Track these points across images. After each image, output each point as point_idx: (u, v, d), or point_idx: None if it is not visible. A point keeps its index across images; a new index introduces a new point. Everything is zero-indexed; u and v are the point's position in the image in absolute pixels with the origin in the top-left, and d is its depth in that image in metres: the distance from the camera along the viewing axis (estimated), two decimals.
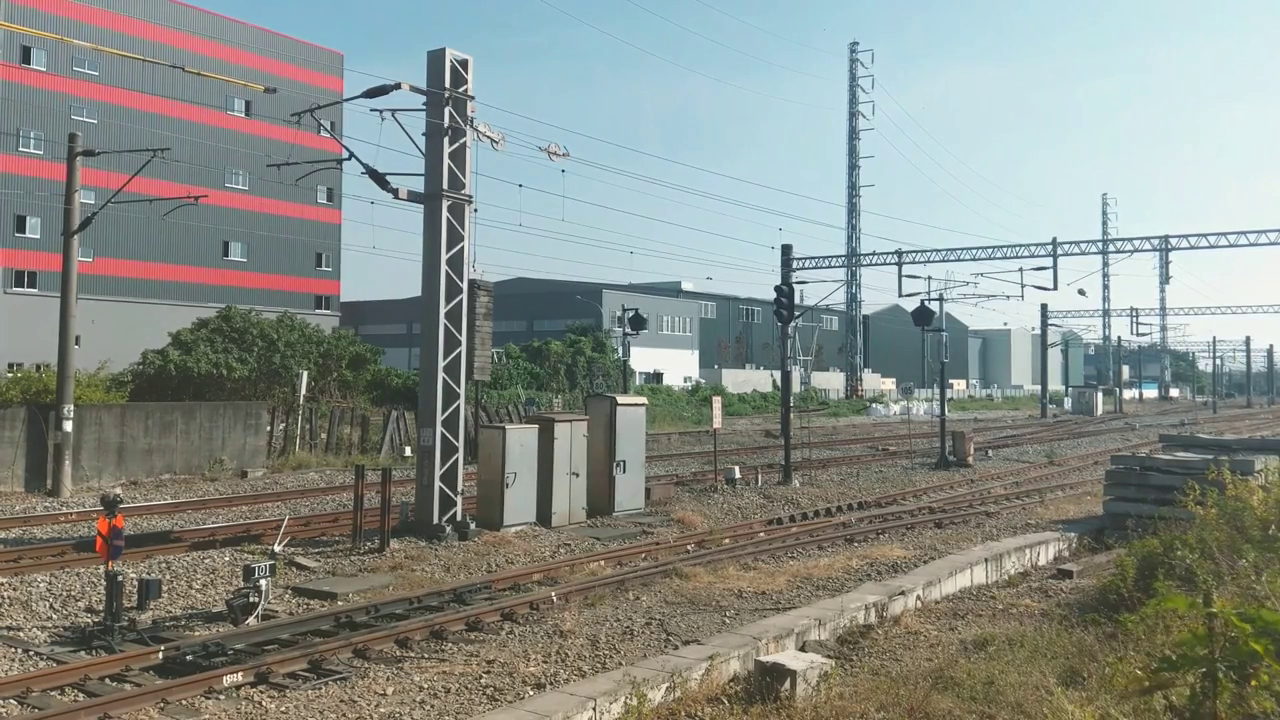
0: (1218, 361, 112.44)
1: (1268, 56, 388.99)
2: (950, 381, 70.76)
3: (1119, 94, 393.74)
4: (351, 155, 17.81)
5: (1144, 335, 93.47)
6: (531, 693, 9.31)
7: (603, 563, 15.90)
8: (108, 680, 9.85)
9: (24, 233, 56.40)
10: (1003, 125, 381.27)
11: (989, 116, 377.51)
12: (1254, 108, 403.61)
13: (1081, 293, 60.86)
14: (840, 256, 62.46)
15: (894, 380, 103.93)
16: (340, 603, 13.20)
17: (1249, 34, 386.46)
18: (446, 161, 18.30)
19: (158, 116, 59.22)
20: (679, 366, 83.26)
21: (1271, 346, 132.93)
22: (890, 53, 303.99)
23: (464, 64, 18.68)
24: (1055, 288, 41.31)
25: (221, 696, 9.42)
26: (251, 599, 12.25)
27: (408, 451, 30.27)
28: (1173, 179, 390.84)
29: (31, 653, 10.76)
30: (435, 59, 18.51)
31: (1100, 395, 79.28)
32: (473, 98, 18.78)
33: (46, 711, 8.76)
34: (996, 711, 7.80)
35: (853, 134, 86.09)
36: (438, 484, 17.81)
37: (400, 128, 17.90)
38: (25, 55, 56.10)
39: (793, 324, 29.31)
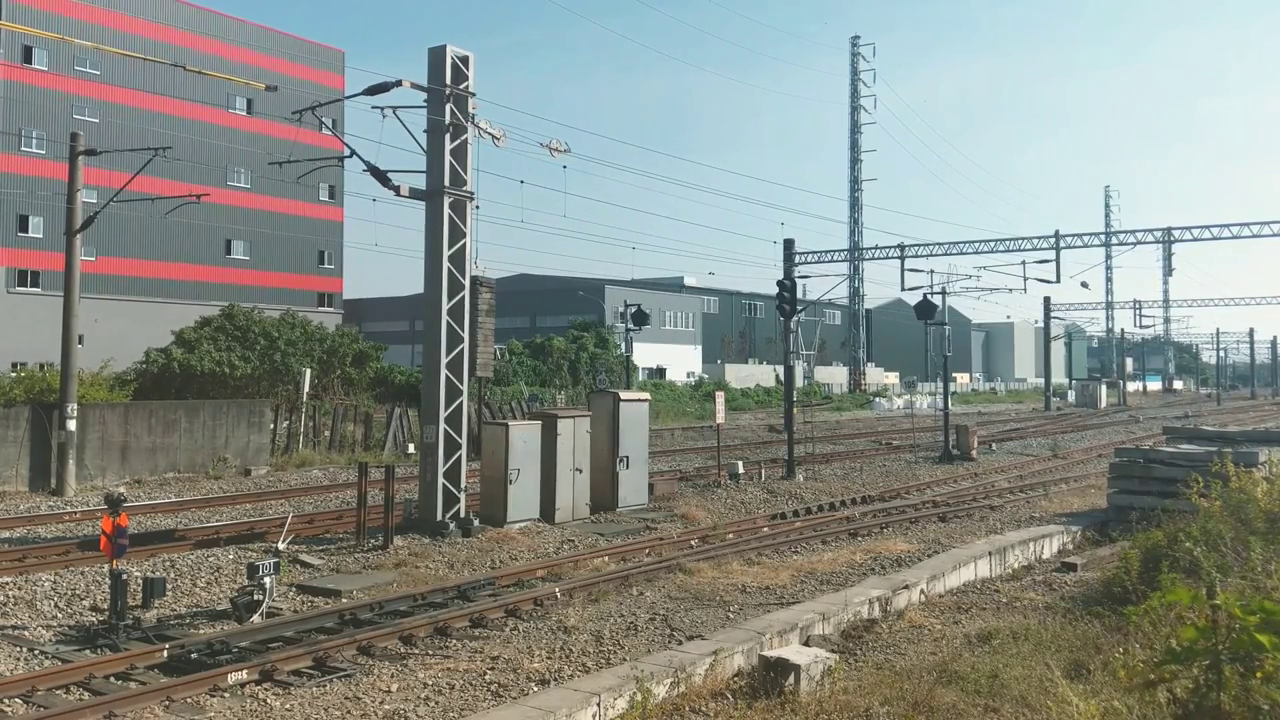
0: (1221, 353, 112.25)
1: (1269, 48, 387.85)
2: (953, 375, 70.66)
3: (1120, 85, 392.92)
4: (353, 153, 17.81)
5: (1147, 328, 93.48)
6: (536, 689, 9.31)
7: (606, 558, 15.90)
8: (113, 679, 9.86)
9: (26, 232, 56.48)
10: (1003, 118, 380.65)
11: (989, 110, 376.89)
12: (1256, 99, 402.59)
13: (1084, 285, 60.83)
14: (843, 250, 62.37)
15: (897, 374, 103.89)
16: (344, 600, 13.22)
17: (1248, 25, 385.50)
18: (448, 158, 18.29)
19: (159, 115, 59.20)
20: (682, 362, 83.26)
21: (1275, 338, 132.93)
22: (890, 46, 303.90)
23: (465, 61, 18.67)
24: (1058, 280, 41.26)
25: (226, 694, 9.43)
26: (256, 597, 12.26)
27: (411, 449, 30.29)
28: (1176, 171, 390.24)
29: (37, 651, 10.78)
30: (436, 56, 18.50)
31: (1104, 388, 79.18)
32: (474, 94, 18.77)
33: (52, 710, 8.78)
34: (1001, 705, 7.79)
35: (854, 128, 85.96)
36: (441, 481, 17.83)
37: (402, 125, 17.93)
38: (27, 55, 56.13)
39: (795, 318, 29.28)
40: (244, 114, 65.50)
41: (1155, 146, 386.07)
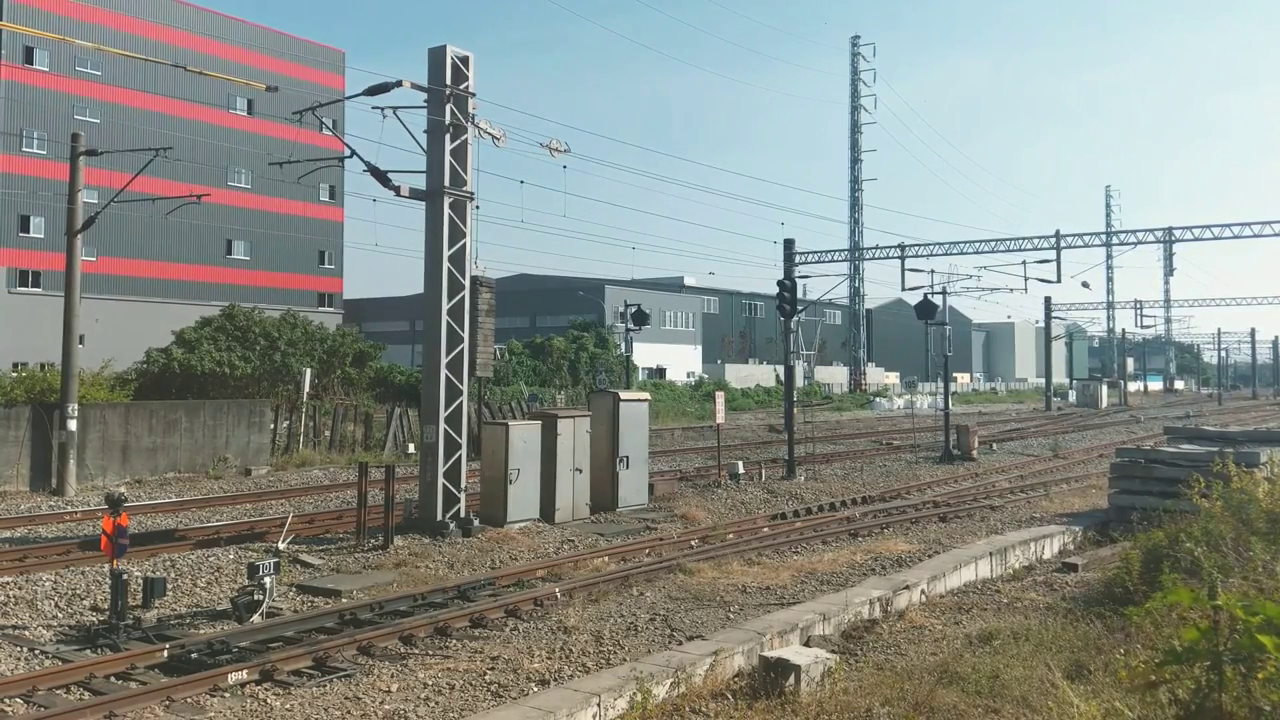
0: (1223, 353, 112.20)
1: (1270, 45, 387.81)
2: (954, 375, 70.66)
3: (1120, 84, 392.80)
4: (353, 153, 17.81)
5: (1148, 327, 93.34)
6: (536, 689, 9.30)
7: (606, 559, 15.90)
8: (113, 679, 9.86)
9: (28, 232, 56.47)
10: (1003, 117, 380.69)
11: (989, 109, 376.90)
12: (1257, 97, 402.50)
13: (1085, 285, 60.96)
14: (843, 250, 62.27)
15: (897, 374, 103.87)
16: (344, 600, 13.21)
17: (1249, 22, 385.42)
18: (448, 158, 18.28)
19: (160, 115, 59.22)
20: (682, 362, 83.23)
21: (1277, 338, 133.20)
22: (891, 45, 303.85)
23: (465, 61, 18.66)
24: (1059, 280, 41.16)
25: (226, 694, 9.43)
26: (256, 597, 12.26)
27: (411, 448, 30.28)
28: (1177, 170, 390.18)
29: (37, 651, 10.78)
30: (436, 56, 18.49)
31: (1105, 388, 79.17)
32: (474, 94, 18.76)
33: (52, 710, 8.77)
34: (1002, 706, 7.78)
35: (855, 128, 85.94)
36: (441, 481, 17.82)
37: (402, 125, 17.93)
38: (28, 55, 56.13)
39: (796, 318, 29.27)
40: (244, 114, 65.49)
41: (1160, 145, 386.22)
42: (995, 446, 37.09)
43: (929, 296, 35.18)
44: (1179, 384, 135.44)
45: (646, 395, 23.50)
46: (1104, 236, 47.57)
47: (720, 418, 29.02)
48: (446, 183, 18.21)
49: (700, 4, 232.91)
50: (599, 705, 8.29)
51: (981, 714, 7.71)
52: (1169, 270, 43.99)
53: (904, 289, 42.68)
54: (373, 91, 17.29)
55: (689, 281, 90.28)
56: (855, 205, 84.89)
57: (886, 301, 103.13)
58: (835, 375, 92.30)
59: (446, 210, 18.23)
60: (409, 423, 32.54)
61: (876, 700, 8.10)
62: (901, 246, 43.63)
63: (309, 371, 34.43)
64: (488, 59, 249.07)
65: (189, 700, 9.19)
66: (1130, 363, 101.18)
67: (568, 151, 20.40)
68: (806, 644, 10.47)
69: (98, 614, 12.17)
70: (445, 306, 18.17)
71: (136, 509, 19.31)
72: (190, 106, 60.69)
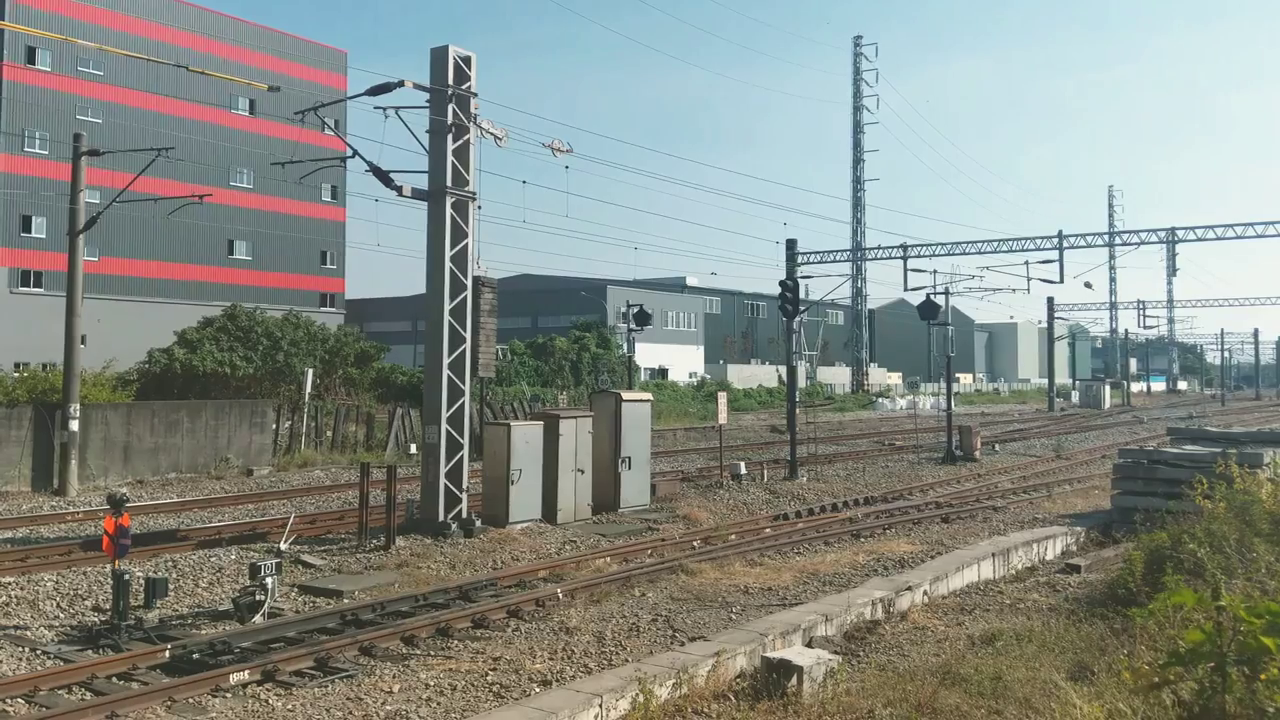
0: (1226, 354, 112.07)
1: (1272, 45, 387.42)
2: (956, 375, 70.61)
3: (1121, 84, 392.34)
4: (355, 153, 17.81)
5: (1151, 328, 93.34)
6: (538, 690, 9.29)
7: (608, 559, 15.89)
8: (115, 679, 9.86)
9: (30, 232, 56.55)
10: (1005, 117, 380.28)
11: (991, 109, 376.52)
12: (1260, 97, 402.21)
13: (1088, 285, 60.87)
14: (845, 250, 62.09)
15: (900, 374, 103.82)
16: (346, 600, 13.21)
17: (1251, 23, 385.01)
18: (450, 158, 18.28)
19: (162, 116, 59.30)
20: (684, 362, 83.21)
21: None
22: (891, 45, 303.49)
23: (467, 61, 18.66)
24: (1061, 281, 41.03)
25: (228, 695, 9.43)
26: (258, 597, 12.25)
27: (413, 449, 30.25)
28: (1179, 170, 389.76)
29: (39, 651, 10.78)
30: (438, 56, 18.49)
31: (1108, 388, 79.14)
32: (476, 95, 18.76)
33: (54, 710, 8.77)
34: (1004, 707, 7.76)
35: (857, 128, 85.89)
36: (443, 481, 17.81)
37: (404, 125, 17.94)
38: (30, 55, 56.22)
39: (798, 318, 29.24)
40: (247, 114, 65.56)
41: (1162, 145, 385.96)
42: (998, 447, 37.07)
43: (931, 297, 35.16)
44: (1182, 384, 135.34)
45: (649, 396, 23.50)
46: (1106, 237, 47.47)
47: (723, 418, 29.00)
48: (449, 183, 18.21)
49: (703, 5, 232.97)
50: (601, 706, 8.28)
51: (984, 715, 7.70)
52: (1172, 270, 43.84)
53: (906, 289, 42.57)
54: (375, 91, 17.30)
55: (691, 282, 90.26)
56: (858, 205, 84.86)
57: (889, 302, 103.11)
58: (838, 375, 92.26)
59: (449, 210, 18.23)
60: (411, 423, 32.54)
61: (879, 701, 8.09)
62: (904, 246, 43.54)
63: (311, 372, 34.43)
64: (490, 59, 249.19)
65: (191, 700, 9.19)
66: (1133, 363, 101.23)
67: (570, 152, 20.41)
68: (809, 645, 10.46)
69: (99, 614, 12.17)
70: (447, 306, 18.17)
71: (138, 509, 19.31)
72: (192, 107, 60.76)
